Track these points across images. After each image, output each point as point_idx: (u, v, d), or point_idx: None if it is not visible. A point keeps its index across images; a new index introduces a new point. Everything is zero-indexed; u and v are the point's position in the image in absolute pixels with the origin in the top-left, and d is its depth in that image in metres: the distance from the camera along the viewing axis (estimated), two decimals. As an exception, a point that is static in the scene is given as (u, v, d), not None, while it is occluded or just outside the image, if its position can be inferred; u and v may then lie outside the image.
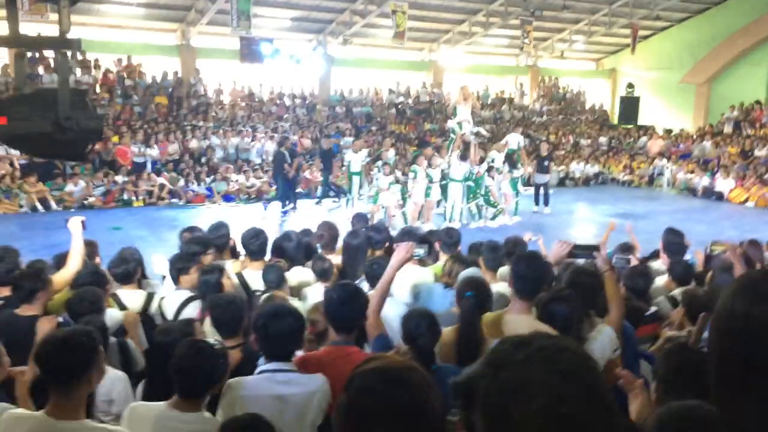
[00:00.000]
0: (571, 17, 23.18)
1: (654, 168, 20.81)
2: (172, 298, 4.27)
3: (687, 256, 5.57)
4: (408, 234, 5.34)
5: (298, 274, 4.91)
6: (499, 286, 4.35)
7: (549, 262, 3.71)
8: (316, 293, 4.35)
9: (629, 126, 25.18)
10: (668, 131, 23.62)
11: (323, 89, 22.50)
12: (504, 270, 4.71)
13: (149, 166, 16.40)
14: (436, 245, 5.34)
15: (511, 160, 13.96)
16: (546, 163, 15.39)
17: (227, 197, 16.02)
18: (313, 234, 5.71)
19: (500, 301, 3.94)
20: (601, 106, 27.91)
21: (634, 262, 4.96)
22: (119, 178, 15.35)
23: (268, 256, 5.12)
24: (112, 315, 3.85)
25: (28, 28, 15.10)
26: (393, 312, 3.70)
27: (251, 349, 3.23)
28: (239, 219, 12.57)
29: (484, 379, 1.02)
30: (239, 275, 4.75)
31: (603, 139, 24.13)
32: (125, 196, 15.04)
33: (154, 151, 16.69)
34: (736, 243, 4.62)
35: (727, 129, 22.47)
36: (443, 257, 5.14)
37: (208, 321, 3.57)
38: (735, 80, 23.42)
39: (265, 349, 2.91)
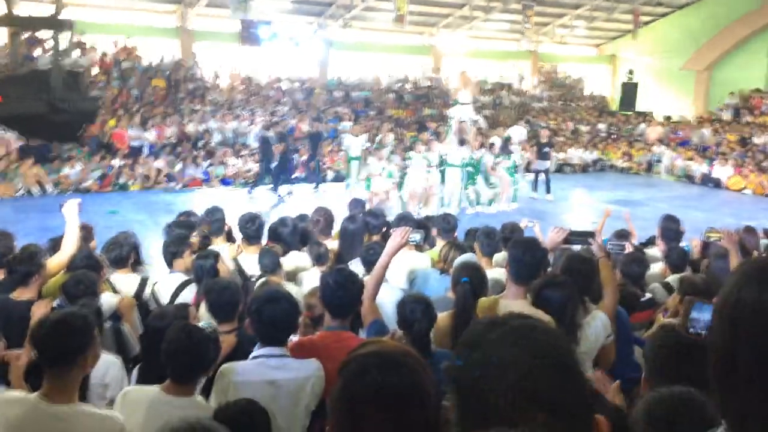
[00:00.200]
0: (572, 2, 23.05)
1: (652, 155, 20.78)
2: (166, 282, 4.28)
3: (683, 243, 5.57)
4: (404, 219, 5.33)
5: (294, 259, 4.91)
6: (495, 272, 4.35)
7: (545, 248, 3.71)
8: (312, 278, 4.35)
9: (628, 113, 25.12)
10: (667, 118, 23.57)
11: (322, 73, 22.38)
12: (500, 256, 4.72)
13: (146, 149, 16.32)
14: (433, 231, 5.33)
15: (507, 146, 13.90)
16: (546, 149, 15.32)
17: (224, 181, 15.98)
18: (309, 219, 5.71)
19: (496, 287, 3.94)
20: (601, 93, 27.83)
21: (629, 248, 4.96)
22: (116, 162, 15.27)
23: (264, 241, 5.11)
24: (107, 299, 3.84)
25: (28, 9, 15.00)
26: (388, 297, 3.70)
27: (246, 334, 3.24)
28: (236, 203, 12.56)
29: (458, 358, 1.04)
30: (235, 260, 4.74)
31: (602, 126, 24.06)
32: (122, 180, 14.98)
33: (151, 135, 16.60)
34: (731, 229, 4.61)
35: (726, 116, 22.44)
36: (440, 243, 5.14)
37: (203, 306, 3.58)
38: (735, 67, 23.35)
39: (259, 333, 2.91)
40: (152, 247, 5.18)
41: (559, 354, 1.00)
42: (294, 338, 3.20)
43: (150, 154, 16.13)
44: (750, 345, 0.98)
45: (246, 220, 4.89)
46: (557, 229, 3.74)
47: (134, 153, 15.90)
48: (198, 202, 12.12)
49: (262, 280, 4.17)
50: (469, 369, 1.00)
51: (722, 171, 18.33)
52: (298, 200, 13.76)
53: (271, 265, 4.30)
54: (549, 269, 3.89)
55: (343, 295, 3.07)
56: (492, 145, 13.84)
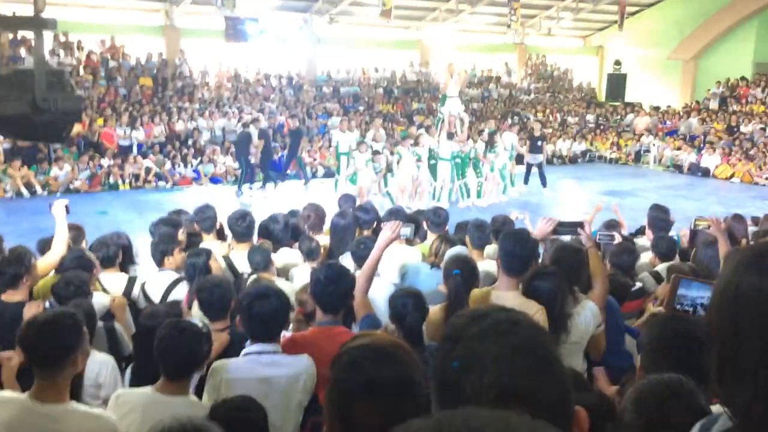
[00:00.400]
0: (558, -7, 23.07)
1: (641, 145, 20.88)
2: (157, 280, 4.26)
3: (672, 233, 5.61)
4: (395, 214, 5.34)
5: (285, 256, 4.91)
6: (486, 265, 4.37)
7: (535, 239, 3.73)
8: (303, 274, 4.35)
9: (616, 103, 25.21)
10: (655, 108, 23.68)
11: (310, 69, 22.32)
12: (490, 248, 4.74)
13: (135, 149, 16.24)
14: (424, 225, 5.34)
15: (492, 141, 13.85)
16: (539, 143, 15.30)
17: (214, 179, 15.94)
18: (300, 215, 5.70)
19: (487, 280, 3.96)
20: (589, 84, 27.90)
21: (618, 239, 4.99)
22: (105, 162, 15.20)
23: (255, 238, 5.11)
24: (99, 299, 3.83)
25: (12, 9, 14.87)
26: (380, 292, 3.71)
27: (238, 332, 3.23)
28: (227, 201, 12.53)
29: (439, 351, 1.04)
30: (226, 258, 4.74)
31: (590, 117, 24.15)
32: (111, 180, 14.91)
33: (139, 134, 16.52)
34: (720, 218, 4.65)
35: (713, 105, 22.55)
36: (431, 237, 5.16)
37: (196, 304, 3.57)
38: (721, 56, 23.46)
39: (249, 330, 2.91)
40: (141, 246, 5.16)
41: (541, 350, 1.00)
42: (286, 334, 3.21)
43: (139, 153, 16.06)
44: (754, 333, 0.96)
45: (236, 218, 4.89)
46: (546, 219, 3.76)
47: (123, 152, 15.83)
48: (188, 200, 12.07)
49: (253, 277, 4.17)
50: (450, 363, 1.00)
51: (710, 160, 18.45)
52: (280, 197, 13.73)
53: (262, 262, 4.30)
54: (540, 260, 3.91)
55: (333, 290, 3.06)
56: (481, 132, 13.84)
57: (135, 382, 3.07)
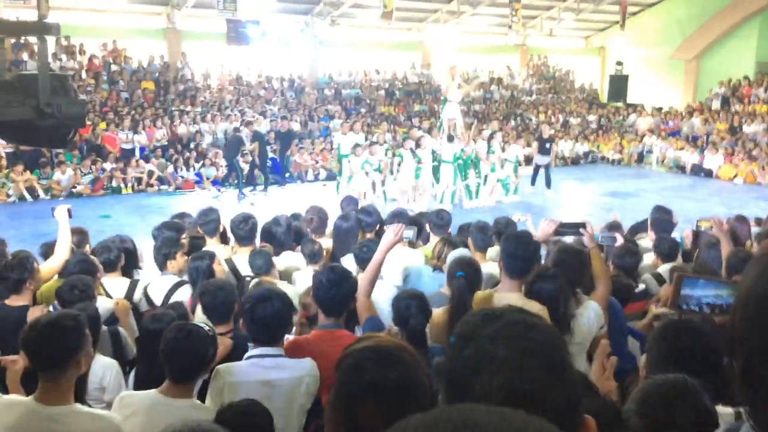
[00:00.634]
0: (559, -6, 23.07)
1: (643, 146, 20.85)
2: (159, 284, 4.27)
3: (674, 234, 5.60)
4: (397, 216, 5.34)
5: (288, 259, 4.91)
6: (488, 267, 4.36)
7: (538, 241, 3.73)
8: (305, 277, 4.35)
9: (618, 104, 25.18)
10: (657, 109, 23.65)
11: (312, 72, 22.34)
12: (493, 250, 4.73)
13: (137, 152, 16.27)
14: (427, 227, 5.34)
15: (489, 143, 13.85)
16: (548, 145, 15.27)
17: (217, 182, 15.96)
18: (303, 218, 5.71)
19: (489, 282, 3.96)
20: (591, 85, 27.88)
21: (620, 240, 4.98)
22: (107, 166, 15.23)
23: (258, 242, 5.11)
24: (103, 303, 3.84)
25: (15, 14, 14.89)
26: (383, 295, 3.71)
27: (242, 336, 3.23)
28: (229, 204, 12.54)
29: (451, 350, 1.04)
30: (229, 261, 4.74)
31: (592, 118, 24.13)
32: (114, 184, 14.94)
33: (142, 138, 16.55)
34: (722, 218, 4.64)
35: (716, 105, 22.51)
36: (434, 239, 5.15)
37: (199, 308, 3.57)
38: (723, 56, 23.41)
39: (252, 334, 2.91)
40: (144, 250, 5.17)
41: (553, 355, 0.99)
42: (289, 337, 3.21)
43: (141, 156, 16.09)
44: None
45: (239, 221, 4.88)
46: (548, 220, 3.76)
47: (126, 156, 15.86)
48: (191, 204, 12.08)
49: (256, 280, 4.17)
50: (461, 363, 1.00)
51: (713, 160, 18.41)
52: (281, 200, 13.74)
53: (264, 265, 4.29)
54: (542, 262, 3.91)
55: (335, 294, 3.06)
56: (481, 130, 13.88)
57: (138, 386, 3.07)
